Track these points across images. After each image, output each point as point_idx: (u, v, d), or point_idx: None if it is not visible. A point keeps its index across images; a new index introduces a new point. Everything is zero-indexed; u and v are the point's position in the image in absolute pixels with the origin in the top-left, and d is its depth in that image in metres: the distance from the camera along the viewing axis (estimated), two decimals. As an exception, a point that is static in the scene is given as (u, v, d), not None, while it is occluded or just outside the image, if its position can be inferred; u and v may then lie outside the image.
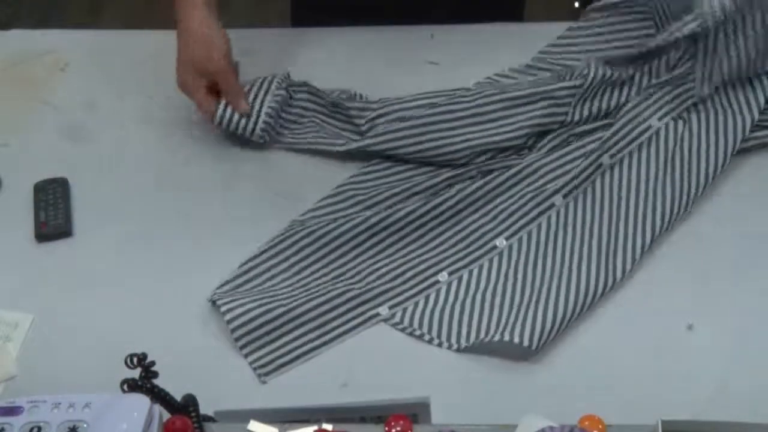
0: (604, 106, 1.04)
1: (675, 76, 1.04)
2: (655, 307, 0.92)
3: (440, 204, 0.97)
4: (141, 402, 0.69)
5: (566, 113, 1.02)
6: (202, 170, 1.06)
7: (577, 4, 2.06)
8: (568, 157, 1.02)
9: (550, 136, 1.03)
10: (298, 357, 0.90)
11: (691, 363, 0.88)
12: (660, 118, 1.03)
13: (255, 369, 0.89)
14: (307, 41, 1.19)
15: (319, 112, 1.09)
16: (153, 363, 0.74)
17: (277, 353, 0.90)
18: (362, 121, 1.04)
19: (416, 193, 0.99)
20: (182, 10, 1.02)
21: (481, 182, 0.99)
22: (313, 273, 0.95)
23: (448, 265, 0.95)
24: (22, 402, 0.69)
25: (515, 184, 1.00)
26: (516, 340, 0.87)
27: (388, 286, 0.94)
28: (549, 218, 0.98)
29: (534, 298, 0.91)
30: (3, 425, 0.67)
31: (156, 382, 0.73)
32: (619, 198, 0.99)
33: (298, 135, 1.08)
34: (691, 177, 0.99)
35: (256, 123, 1.05)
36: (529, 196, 0.98)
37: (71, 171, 1.06)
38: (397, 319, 0.92)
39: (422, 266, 0.95)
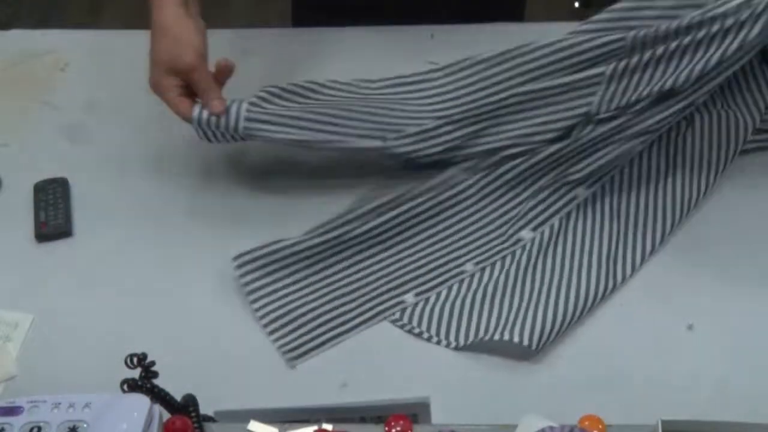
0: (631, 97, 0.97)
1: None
2: (655, 307, 0.92)
3: (462, 192, 0.98)
4: (141, 402, 0.69)
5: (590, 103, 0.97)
6: (203, 170, 1.06)
7: (577, 4, 2.06)
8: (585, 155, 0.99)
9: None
10: (324, 342, 0.91)
11: (691, 363, 0.88)
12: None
13: (283, 353, 0.90)
14: (307, 41, 1.19)
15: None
16: (153, 363, 0.74)
17: (304, 338, 0.91)
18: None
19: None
20: (155, 8, 0.98)
21: (498, 173, 0.99)
22: (339, 262, 0.96)
23: (474, 257, 0.96)
24: (22, 402, 0.69)
25: (533, 181, 1.00)
26: (516, 339, 0.87)
27: (414, 274, 0.95)
28: (552, 222, 0.98)
29: (535, 299, 0.91)
30: (3, 425, 0.67)
31: (156, 382, 0.73)
32: (619, 202, 0.99)
33: (292, 129, 0.97)
34: (693, 179, 0.99)
35: (237, 120, 0.96)
36: (548, 191, 0.99)
37: (71, 171, 1.06)
38: (396, 316, 0.92)
39: (447, 257, 0.96)
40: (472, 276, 0.95)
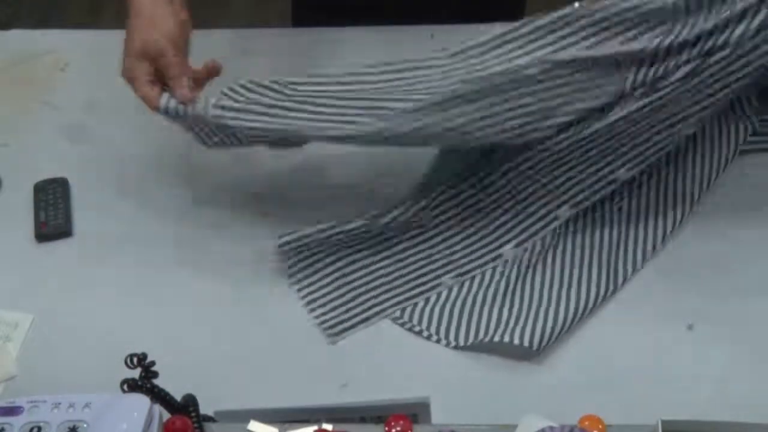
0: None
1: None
2: (655, 307, 0.92)
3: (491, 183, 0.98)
4: (141, 402, 0.69)
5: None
6: (204, 170, 1.06)
7: (577, 5, 2.05)
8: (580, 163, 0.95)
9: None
10: (363, 321, 0.92)
11: (691, 363, 0.88)
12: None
13: (324, 329, 0.92)
14: (307, 41, 1.19)
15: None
16: (153, 363, 0.74)
17: (345, 316, 0.93)
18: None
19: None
20: None
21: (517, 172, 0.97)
22: (380, 243, 0.97)
23: (514, 237, 0.96)
24: (22, 402, 0.69)
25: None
26: (516, 341, 0.87)
27: (452, 258, 0.95)
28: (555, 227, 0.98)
29: (536, 301, 0.91)
30: (3, 425, 0.67)
31: (156, 382, 0.73)
32: (620, 202, 0.99)
33: (266, 117, 0.92)
34: (695, 180, 0.99)
35: (205, 107, 0.91)
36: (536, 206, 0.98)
37: (71, 171, 1.06)
38: (397, 314, 0.92)
39: (486, 239, 0.97)
40: (473, 278, 0.95)
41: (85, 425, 0.67)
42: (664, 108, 0.90)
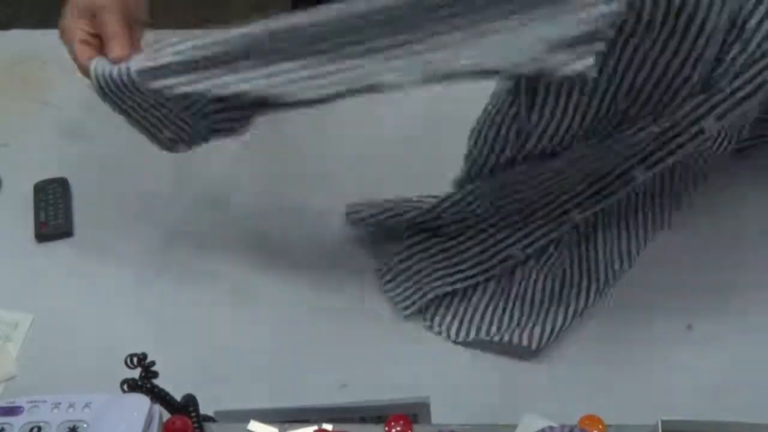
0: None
1: None
2: (655, 307, 0.92)
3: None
4: (141, 402, 0.69)
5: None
6: (204, 169, 1.06)
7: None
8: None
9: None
10: (434, 298, 0.92)
11: (691, 363, 0.88)
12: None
13: (396, 303, 0.92)
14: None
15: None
16: (153, 363, 0.74)
17: (419, 293, 0.92)
18: None
19: None
20: None
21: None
22: (454, 222, 0.94)
23: (580, 203, 0.91)
24: (22, 402, 0.69)
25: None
26: (515, 341, 0.87)
27: (521, 233, 0.92)
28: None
29: (538, 303, 0.91)
30: (3, 425, 0.67)
31: (156, 382, 0.73)
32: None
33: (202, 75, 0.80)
34: (697, 177, 0.98)
35: (128, 67, 0.80)
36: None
37: (71, 171, 1.06)
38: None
39: (552, 206, 0.92)
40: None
41: (85, 425, 0.67)
42: None
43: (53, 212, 1.01)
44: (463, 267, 0.93)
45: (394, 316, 0.93)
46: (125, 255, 0.99)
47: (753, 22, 0.76)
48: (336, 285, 0.96)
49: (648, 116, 0.82)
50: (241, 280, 0.96)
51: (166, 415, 0.73)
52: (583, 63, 0.72)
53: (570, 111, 0.81)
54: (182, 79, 0.81)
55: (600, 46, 0.72)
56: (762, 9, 0.76)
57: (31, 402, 0.69)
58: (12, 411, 0.68)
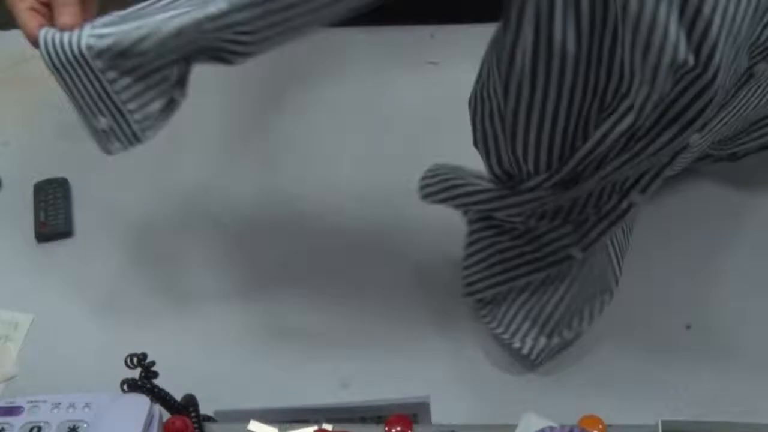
0: None
1: None
2: (655, 307, 0.92)
3: None
4: (141, 402, 0.69)
5: None
6: (204, 169, 1.06)
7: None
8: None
9: None
10: (498, 284, 0.89)
11: (691, 363, 0.88)
12: None
13: (463, 286, 0.89)
14: (306, 42, 1.18)
15: None
16: (153, 363, 0.74)
17: (487, 282, 0.89)
18: None
19: None
20: None
21: None
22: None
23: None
24: (22, 402, 0.69)
25: None
26: (517, 345, 0.87)
27: (578, 234, 0.86)
28: None
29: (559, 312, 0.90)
30: (3, 425, 0.67)
31: (156, 382, 0.73)
32: None
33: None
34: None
35: (81, 34, 0.74)
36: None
37: (71, 171, 1.06)
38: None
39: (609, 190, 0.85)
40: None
41: (85, 425, 0.67)
42: None
43: (53, 212, 1.01)
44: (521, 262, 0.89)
45: (394, 316, 0.93)
46: (125, 255, 0.99)
47: None
48: (336, 285, 0.96)
49: None
50: (241, 279, 0.96)
51: (166, 415, 0.73)
52: None
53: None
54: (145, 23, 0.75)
55: None
56: None
57: (31, 402, 0.69)
58: (12, 411, 0.68)
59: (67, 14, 0.76)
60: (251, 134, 1.08)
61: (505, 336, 0.89)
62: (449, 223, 0.97)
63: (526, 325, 0.90)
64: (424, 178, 0.90)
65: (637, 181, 0.81)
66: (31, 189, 1.04)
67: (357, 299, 0.95)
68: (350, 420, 0.74)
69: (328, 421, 0.73)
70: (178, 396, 0.75)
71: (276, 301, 0.95)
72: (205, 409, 0.75)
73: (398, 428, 0.72)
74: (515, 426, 0.72)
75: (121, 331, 0.91)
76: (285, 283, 0.96)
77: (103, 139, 0.85)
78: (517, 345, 0.88)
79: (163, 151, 1.08)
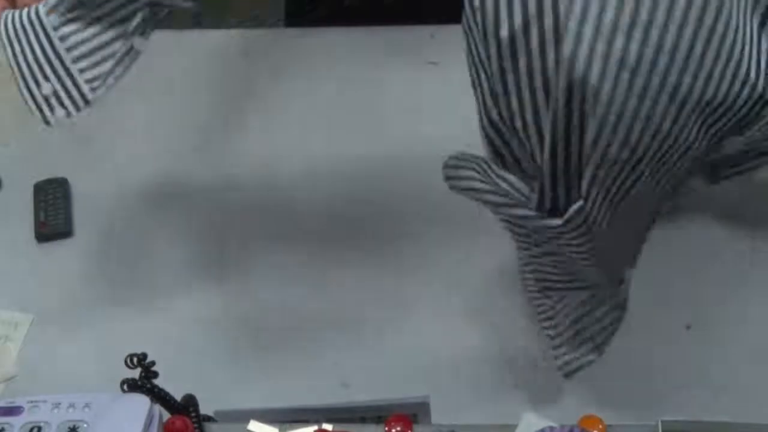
0: None
1: None
2: (655, 307, 0.92)
3: None
4: (141, 402, 0.69)
5: None
6: (203, 169, 1.06)
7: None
8: None
9: None
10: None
11: (691, 363, 0.88)
12: None
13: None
14: (306, 42, 1.19)
15: None
16: (153, 363, 0.74)
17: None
18: None
19: None
20: None
21: None
22: None
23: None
24: (22, 402, 0.69)
25: None
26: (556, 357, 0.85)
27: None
28: None
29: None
30: (3, 425, 0.67)
31: (156, 382, 0.73)
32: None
33: None
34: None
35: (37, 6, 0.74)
36: None
37: (71, 171, 1.06)
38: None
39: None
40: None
41: (85, 425, 0.67)
42: None
43: (53, 212, 1.01)
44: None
45: (394, 316, 0.93)
46: (125, 255, 0.99)
47: None
48: (336, 285, 0.96)
49: None
50: (241, 279, 0.96)
51: (166, 415, 0.73)
52: None
53: None
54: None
55: None
56: None
57: (31, 402, 0.69)
58: (12, 411, 0.68)
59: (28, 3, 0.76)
60: (251, 134, 1.08)
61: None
62: (450, 223, 0.97)
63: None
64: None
65: None
66: (31, 189, 1.04)
67: (357, 299, 0.95)
68: (350, 420, 0.74)
69: (328, 421, 0.73)
70: (178, 396, 0.75)
71: (276, 302, 0.95)
72: (205, 409, 0.75)
73: (398, 428, 0.72)
74: (515, 426, 0.72)
75: (121, 331, 0.91)
76: (285, 283, 0.96)
77: (45, 107, 0.83)
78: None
79: (163, 151, 1.08)
